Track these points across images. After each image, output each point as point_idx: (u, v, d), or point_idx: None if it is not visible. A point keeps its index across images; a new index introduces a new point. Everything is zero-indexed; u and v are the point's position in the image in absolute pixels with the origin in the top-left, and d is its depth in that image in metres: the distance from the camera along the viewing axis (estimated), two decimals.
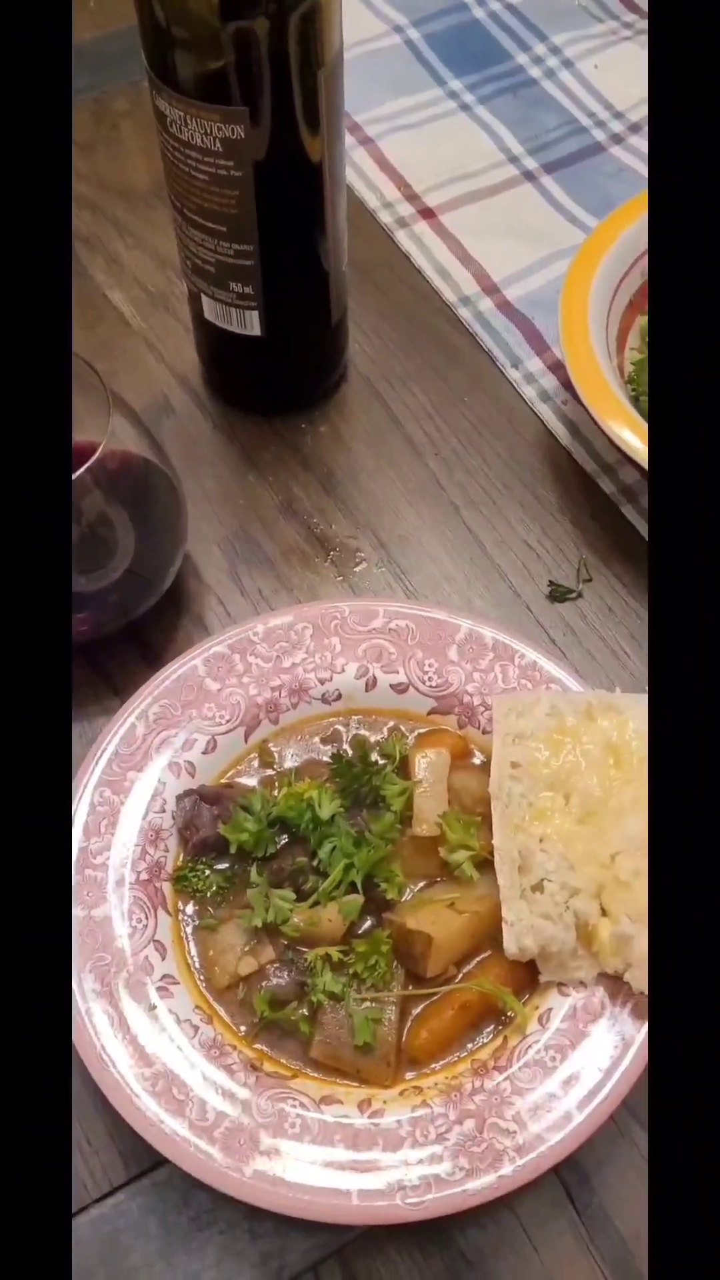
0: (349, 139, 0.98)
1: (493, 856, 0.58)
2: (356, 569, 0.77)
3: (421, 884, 0.60)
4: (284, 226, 0.69)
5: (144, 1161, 0.57)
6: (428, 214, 0.95)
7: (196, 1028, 0.56)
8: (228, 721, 0.64)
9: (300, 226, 0.70)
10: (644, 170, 0.97)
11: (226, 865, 0.61)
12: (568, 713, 0.61)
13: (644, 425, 0.72)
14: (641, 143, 0.99)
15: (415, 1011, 0.57)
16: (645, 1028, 0.55)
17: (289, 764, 0.65)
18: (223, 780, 0.64)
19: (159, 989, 0.57)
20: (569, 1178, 0.57)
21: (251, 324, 0.74)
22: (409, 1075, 0.56)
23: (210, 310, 0.74)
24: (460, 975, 0.58)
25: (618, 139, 0.99)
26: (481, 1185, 0.51)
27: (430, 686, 0.66)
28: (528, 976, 0.57)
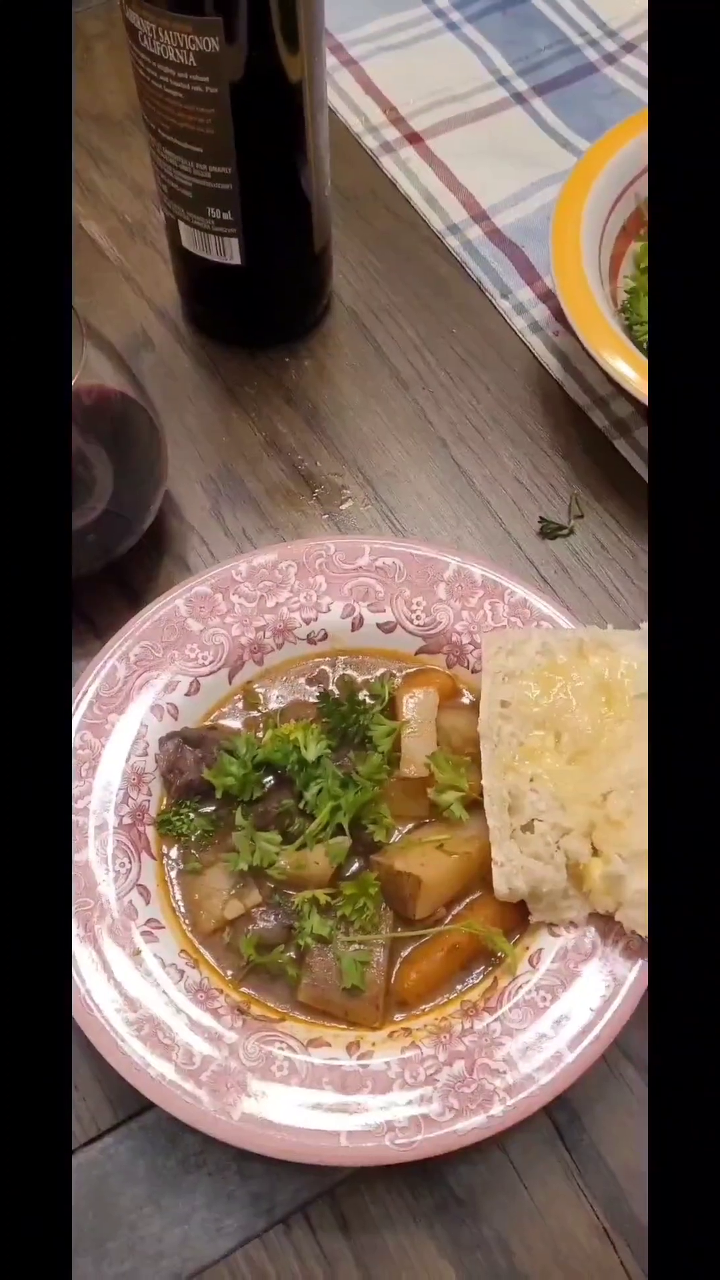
0: (332, 60, 0.95)
1: (482, 797, 0.57)
2: (343, 507, 0.75)
3: (410, 825, 0.59)
4: (263, 148, 0.66)
5: (131, 1105, 0.56)
6: (414, 138, 0.91)
7: (182, 972, 0.55)
8: (211, 663, 0.63)
9: (280, 148, 0.67)
10: (638, 91, 0.93)
11: (211, 808, 0.60)
12: (559, 650, 0.59)
13: (638, 356, 0.70)
14: (635, 63, 0.95)
15: (404, 953, 0.57)
16: (636, 967, 0.54)
17: (274, 705, 0.63)
18: (206, 722, 0.63)
19: (144, 933, 0.56)
20: (559, 1116, 0.56)
21: (231, 252, 0.71)
22: (398, 1017, 0.55)
23: (188, 238, 0.72)
24: (450, 917, 0.57)
25: (611, 59, 0.96)
26: (471, 1126, 0.51)
27: (418, 625, 0.64)
28: (518, 917, 0.56)
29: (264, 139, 0.65)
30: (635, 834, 0.54)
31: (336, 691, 0.62)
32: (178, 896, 0.58)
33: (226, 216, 0.69)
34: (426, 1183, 0.55)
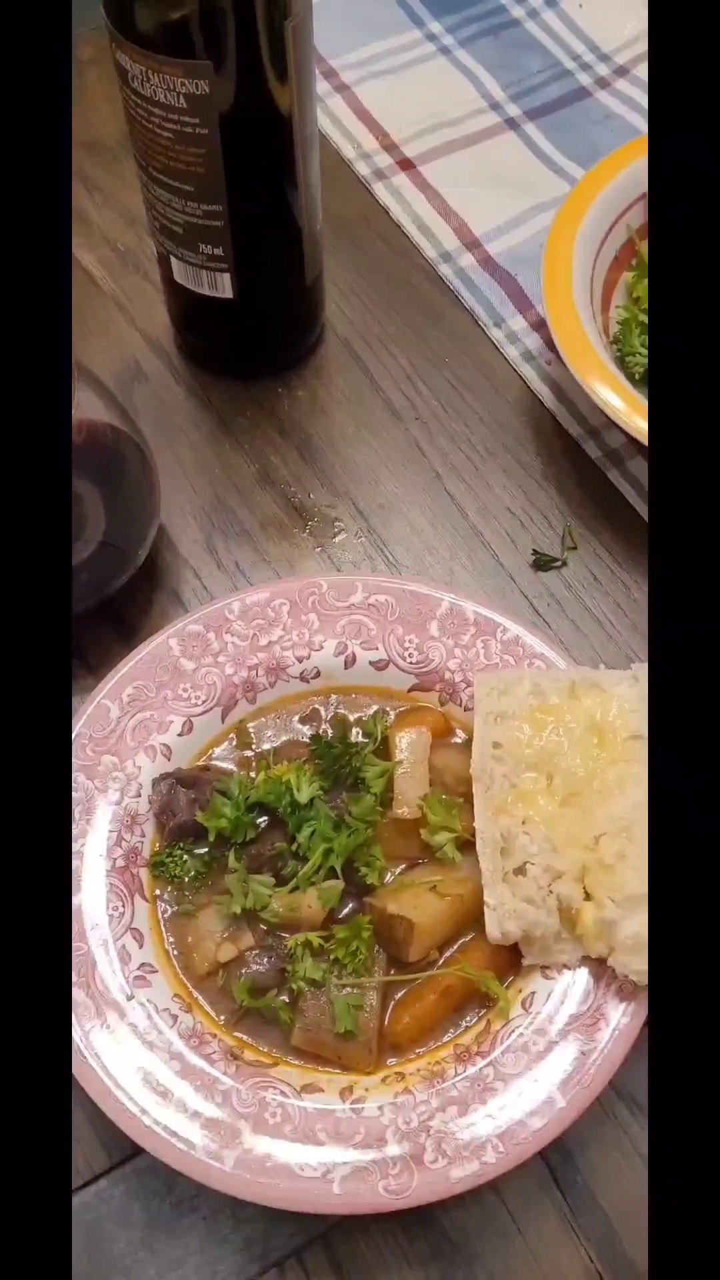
0: (324, 85, 0.95)
1: (475, 838, 0.57)
2: (336, 540, 0.75)
3: (402, 867, 0.59)
4: (254, 185, 0.66)
5: (125, 1148, 0.56)
6: (406, 165, 0.91)
7: (176, 1016, 0.55)
8: (204, 702, 0.63)
9: (271, 184, 0.67)
10: (631, 116, 0.93)
11: (205, 850, 0.60)
12: (551, 691, 0.59)
13: (628, 388, 0.70)
14: (628, 87, 0.95)
15: (397, 997, 0.57)
16: (629, 1010, 0.54)
17: (267, 745, 0.63)
18: (200, 762, 0.63)
19: (136, 978, 0.56)
20: (553, 1158, 0.56)
21: (223, 286, 0.71)
22: (391, 1061, 0.55)
23: (180, 273, 0.72)
24: (443, 959, 0.57)
25: (604, 83, 0.96)
26: (464, 1173, 0.51)
27: (411, 663, 0.64)
28: (511, 960, 0.56)
29: (255, 177, 0.65)
30: (627, 878, 0.54)
31: (329, 732, 0.62)
32: (171, 939, 0.58)
33: (218, 252, 0.69)
34: (420, 1226, 0.55)
